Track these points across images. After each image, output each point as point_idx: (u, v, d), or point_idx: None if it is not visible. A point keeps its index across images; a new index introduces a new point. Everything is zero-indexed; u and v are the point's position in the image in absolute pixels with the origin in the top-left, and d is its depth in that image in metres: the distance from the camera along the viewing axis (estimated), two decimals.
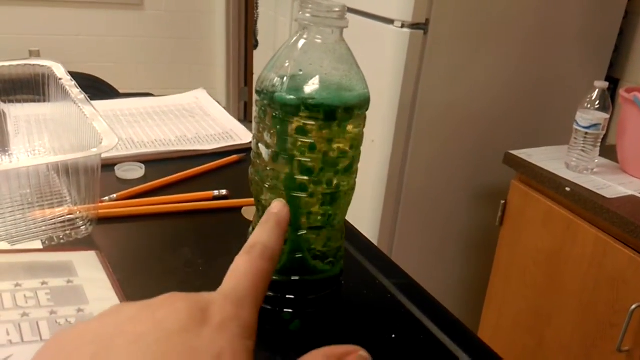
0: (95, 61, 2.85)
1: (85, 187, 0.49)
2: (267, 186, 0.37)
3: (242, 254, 0.27)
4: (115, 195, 0.56)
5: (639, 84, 1.37)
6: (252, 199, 0.40)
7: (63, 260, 0.44)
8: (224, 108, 0.83)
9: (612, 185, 1.04)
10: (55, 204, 0.52)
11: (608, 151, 1.15)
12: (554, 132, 1.37)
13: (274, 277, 0.39)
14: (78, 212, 0.51)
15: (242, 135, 0.74)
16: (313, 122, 0.35)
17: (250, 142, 0.39)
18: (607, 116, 1.05)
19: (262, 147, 0.37)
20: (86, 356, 0.20)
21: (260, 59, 2.26)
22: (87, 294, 0.40)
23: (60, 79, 0.57)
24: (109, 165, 0.62)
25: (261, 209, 0.39)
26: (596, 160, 1.09)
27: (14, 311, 0.36)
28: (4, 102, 0.65)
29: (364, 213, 1.38)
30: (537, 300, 1.14)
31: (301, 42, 0.35)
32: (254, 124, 0.38)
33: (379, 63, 1.27)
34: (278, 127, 0.35)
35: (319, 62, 0.35)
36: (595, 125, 1.05)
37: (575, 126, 1.07)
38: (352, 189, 0.40)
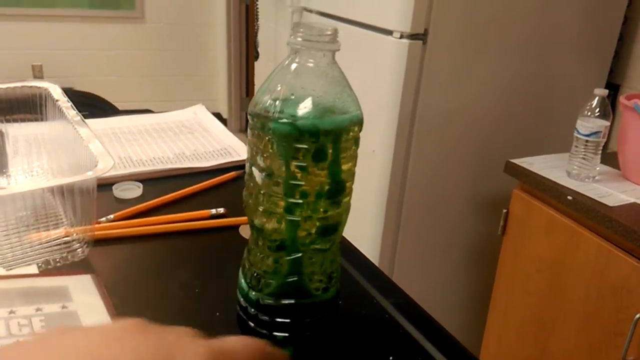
0: (97, 75, 2.87)
1: (81, 209, 0.49)
2: (260, 209, 0.37)
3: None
4: (112, 216, 0.56)
5: (639, 90, 1.36)
6: None
7: (58, 285, 0.44)
8: (226, 119, 0.83)
9: (614, 193, 1.03)
10: (52, 226, 0.52)
11: (610, 158, 1.15)
12: (556, 139, 1.37)
13: (268, 301, 0.38)
14: (75, 234, 0.51)
15: (241, 151, 0.74)
16: (306, 146, 0.34)
17: None
18: (608, 123, 1.04)
19: (255, 170, 0.36)
20: None
21: (261, 70, 2.27)
22: (82, 320, 0.40)
23: (57, 100, 0.57)
24: (106, 185, 0.62)
25: (255, 232, 0.38)
26: (597, 168, 1.08)
27: (7, 340, 0.36)
28: (2, 122, 0.65)
29: (366, 223, 1.37)
30: (540, 309, 1.13)
31: (293, 66, 0.35)
32: (247, 147, 0.38)
33: (379, 74, 1.27)
34: (271, 150, 0.35)
35: (311, 86, 0.35)
36: (595, 132, 1.04)
37: (575, 134, 1.07)
38: (347, 209, 0.39)
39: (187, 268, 0.50)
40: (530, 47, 1.29)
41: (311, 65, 0.35)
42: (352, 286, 0.48)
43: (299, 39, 0.34)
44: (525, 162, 1.15)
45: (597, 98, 1.04)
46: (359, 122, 0.36)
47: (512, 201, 1.18)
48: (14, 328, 0.37)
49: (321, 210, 0.36)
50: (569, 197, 1.02)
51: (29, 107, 0.64)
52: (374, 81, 1.29)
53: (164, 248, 0.53)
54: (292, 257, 0.37)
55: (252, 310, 0.39)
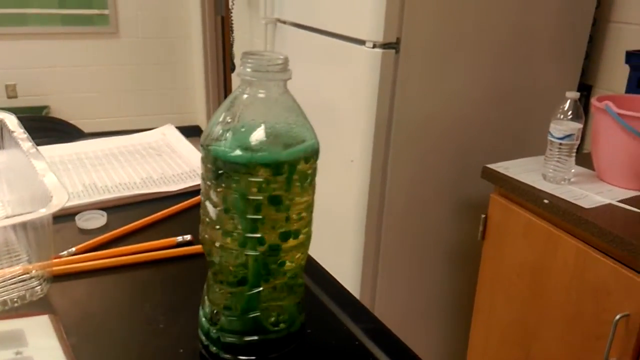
0: (73, 92, 2.83)
1: (38, 245, 0.47)
2: (217, 245, 0.36)
3: None
4: (74, 249, 0.54)
5: (611, 90, 1.38)
6: None
7: (13, 329, 0.42)
8: (203, 132, 0.81)
9: (589, 194, 1.03)
10: (9, 264, 0.50)
11: (585, 159, 1.16)
12: (533, 142, 1.38)
13: (230, 339, 0.37)
14: (33, 271, 0.49)
15: None
16: (260, 178, 0.33)
17: None
18: (580, 126, 1.05)
19: (209, 205, 0.35)
20: None
21: (238, 81, 2.25)
22: None
23: (12, 131, 0.55)
24: (70, 215, 0.61)
25: (213, 267, 0.37)
26: (573, 170, 1.09)
27: None
28: None
29: (348, 233, 1.36)
30: (523, 313, 1.13)
31: (244, 97, 0.34)
32: (201, 181, 0.37)
33: (353, 83, 1.27)
34: (224, 184, 0.34)
35: (262, 117, 0.34)
36: (569, 135, 1.05)
37: (549, 137, 1.07)
38: (309, 238, 0.38)
39: (152, 301, 0.48)
40: (503, 52, 1.30)
41: (262, 95, 0.34)
42: (321, 313, 0.47)
43: (249, 69, 0.33)
44: (501, 167, 1.16)
45: (568, 101, 1.05)
46: (315, 152, 0.35)
47: (490, 206, 1.19)
48: None
49: (280, 243, 0.35)
50: (545, 201, 1.02)
51: None
52: (349, 91, 1.29)
53: (128, 281, 0.51)
54: (252, 292, 0.36)
55: (214, 348, 0.38)
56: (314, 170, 0.36)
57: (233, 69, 2.19)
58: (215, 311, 0.37)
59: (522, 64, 1.33)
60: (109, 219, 0.61)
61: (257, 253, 0.35)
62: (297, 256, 0.37)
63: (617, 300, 0.93)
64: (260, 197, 0.34)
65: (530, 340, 1.12)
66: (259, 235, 0.35)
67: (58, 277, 0.50)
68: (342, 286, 0.51)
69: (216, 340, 0.37)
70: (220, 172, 0.34)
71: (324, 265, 0.55)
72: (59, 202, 0.44)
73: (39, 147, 0.76)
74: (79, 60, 2.81)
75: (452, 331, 1.51)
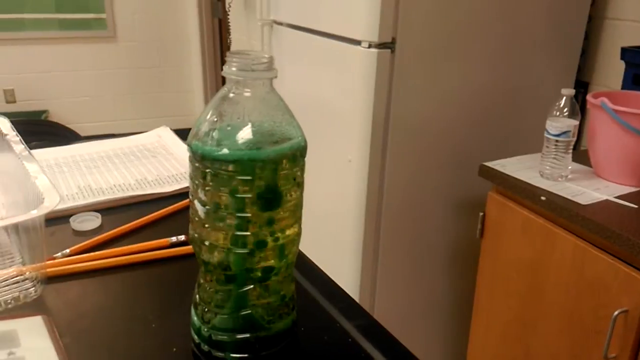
0: (72, 96, 2.84)
1: (30, 247, 0.47)
2: (206, 244, 0.36)
3: None
4: (68, 250, 0.54)
5: (607, 87, 1.38)
6: None
7: (6, 330, 0.42)
8: (190, 131, 0.81)
9: (586, 191, 1.03)
10: (3, 266, 0.50)
11: (582, 155, 1.16)
12: (530, 139, 1.38)
13: (222, 337, 0.37)
14: (27, 273, 0.49)
15: None
16: (247, 176, 0.34)
17: None
18: (577, 122, 1.05)
19: (197, 204, 0.35)
20: None
21: None
22: None
23: (5, 134, 0.55)
24: (64, 217, 0.61)
25: (203, 266, 0.37)
26: (569, 167, 1.09)
27: None
28: None
29: (346, 233, 1.36)
30: (522, 310, 1.13)
31: (230, 95, 0.34)
32: (189, 181, 0.37)
33: (350, 83, 1.27)
34: (212, 183, 0.34)
35: (248, 116, 0.34)
36: (565, 132, 1.05)
37: (545, 134, 1.07)
38: (298, 235, 0.38)
39: (145, 301, 0.48)
40: (500, 50, 1.30)
41: (248, 94, 0.34)
42: (313, 310, 0.47)
43: (234, 68, 0.33)
44: (498, 165, 1.16)
45: (564, 98, 1.05)
46: (302, 149, 0.36)
47: (487, 204, 1.18)
48: None
49: (269, 241, 0.35)
50: (543, 198, 1.02)
51: None
52: (346, 91, 1.29)
53: (121, 281, 0.51)
54: (242, 290, 0.36)
55: (206, 347, 0.38)
56: (302, 167, 0.36)
57: None
58: (206, 309, 0.37)
59: (517, 62, 1.33)
60: (104, 221, 0.61)
61: (247, 251, 0.35)
62: (287, 253, 0.37)
63: (615, 296, 0.93)
64: (248, 195, 0.34)
65: (529, 336, 1.12)
66: (247, 233, 0.35)
67: (52, 279, 0.51)
68: (334, 282, 0.51)
69: (208, 338, 0.37)
70: (207, 170, 0.34)
71: (322, 265, 0.55)
72: (51, 204, 0.44)
73: (35, 150, 0.76)
74: (77, 65, 2.81)
75: (452, 329, 1.51)
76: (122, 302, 0.49)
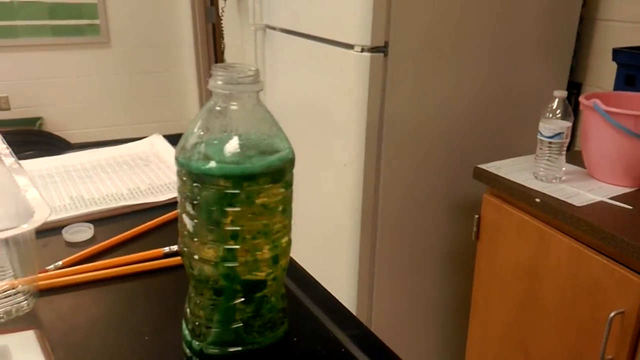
0: (67, 103, 2.83)
1: (22, 260, 0.47)
2: (195, 257, 0.36)
3: None
4: (61, 262, 0.54)
5: (600, 87, 1.39)
6: None
7: None
8: (177, 145, 0.81)
9: (580, 192, 1.04)
10: None
11: (576, 156, 1.16)
12: (525, 140, 1.38)
13: (213, 350, 0.37)
14: (20, 286, 0.49)
15: None
16: (235, 190, 0.33)
17: None
18: (570, 124, 1.05)
19: (186, 218, 0.35)
20: None
21: None
22: None
23: None
24: (57, 229, 0.60)
25: (193, 280, 0.37)
26: (563, 168, 1.09)
27: None
28: None
29: (342, 238, 1.36)
30: (519, 313, 1.13)
31: (217, 109, 0.34)
32: (177, 194, 0.37)
33: (343, 88, 1.27)
34: (199, 197, 0.34)
35: (235, 129, 0.34)
36: (558, 134, 1.05)
37: (539, 136, 1.08)
38: (289, 245, 0.38)
39: (138, 313, 0.48)
40: (492, 52, 1.30)
41: (235, 107, 0.34)
42: (307, 320, 0.47)
43: (220, 82, 0.33)
44: (492, 167, 1.16)
45: (557, 100, 1.05)
46: (290, 161, 0.36)
47: (482, 206, 1.19)
48: None
49: (258, 254, 0.35)
50: (537, 200, 1.02)
51: None
52: (339, 95, 1.29)
53: (114, 293, 0.51)
54: (232, 303, 0.36)
55: None
56: (291, 179, 0.36)
57: None
58: (197, 323, 0.37)
59: (510, 64, 1.33)
60: (96, 231, 0.61)
61: (236, 264, 0.35)
62: (279, 264, 0.37)
63: (611, 298, 0.93)
64: (237, 209, 0.34)
65: (527, 339, 1.12)
66: (237, 246, 0.35)
67: (45, 291, 0.50)
68: (327, 291, 0.51)
69: (199, 352, 0.37)
70: (195, 184, 0.34)
71: (319, 270, 0.55)
72: (41, 217, 0.44)
73: (27, 161, 0.76)
74: (71, 71, 2.81)
75: (449, 332, 1.51)
76: (115, 314, 0.49)
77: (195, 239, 0.35)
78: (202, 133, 0.34)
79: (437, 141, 1.32)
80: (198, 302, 0.37)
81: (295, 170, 0.36)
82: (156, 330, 0.46)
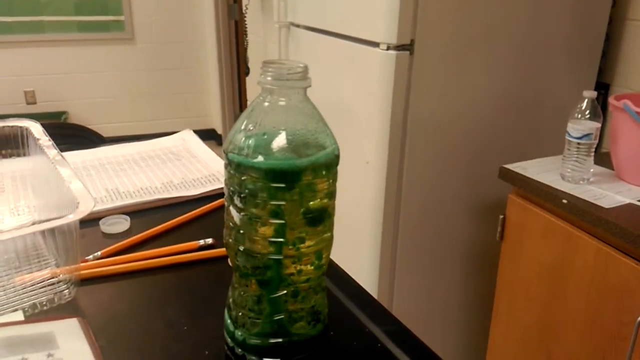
0: (90, 97, 2.88)
1: (65, 250, 0.48)
2: (241, 249, 0.36)
3: None
4: (99, 253, 0.55)
5: (628, 88, 1.36)
6: None
7: (44, 332, 0.43)
8: (220, 134, 0.82)
9: (609, 194, 1.02)
10: (37, 268, 0.52)
11: (604, 158, 1.14)
12: (550, 141, 1.36)
13: (255, 341, 0.38)
14: (61, 275, 0.51)
15: None
16: (282, 184, 0.34)
17: None
18: (599, 125, 1.04)
19: (233, 210, 0.36)
20: None
21: (252, 84, 2.27)
22: None
23: (38, 139, 0.57)
24: (94, 220, 0.62)
25: (238, 271, 0.38)
26: (591, 170, 1.08)
27: None
28: None
29: (364, 235, 1.37)
30: (543, 315, 1.12)
31: (265, 104, 0.35)
32: (224, 187, 0.37)
33: (368, 85, 1.27)
34: (247, 190, 0.35)
35: (283, 124, 0.35)
36: (587, 135, 1.04)
37: (567, 137, 1.06)
38: (330, 242, 0.39)
39: (176, 304, 0.49)
40: (519, 52, 1.29)
41: (283, 103, 0.35)
42: (344, 315, 0.48)
43: (269, 78, 0.34)
44: (519, 167, 1.15)
45: (586, 100, 1.04)
46: (335, 157, 0.36)
47: (508, 207, 1.18)
48: None
49: (303, 247, 0.36)
50: (564, 201, 1.01)
51: (11, 143, 0.64)
52: (364, 93, 1.29)
53: (151, 284, 0.52)
54: (276, 295, 0.37)
55: (239, 350, 0.38)
56: (335, 175, 0.37)
57: (247, 72, 2.20)
58: (240, 313, 0.38)
59: (537, 64, 1.32)
60: (132, 223, 0.62)
61: (281, 257, 0.36)
62: (322, 258, 0.38)
63: (639, 301, 0.91)
64: (283, 203, 0.34)
65: (550, 341, 1.11)
66: (282, 239, 0.35)
67: (85, 281, 0.52)
68: (362, 288, 0.51)
69: (242, 342, 0.38)
70: (243, 178, 0.35)
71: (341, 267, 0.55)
72: (86, 208, 0.45)
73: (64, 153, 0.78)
74: (95, 66, 2.86)
75: (471, 333, 1.50)
76: (153, 305, 0.50)
77: (242, 231, 0.36)
78: (250, 128, 0.35)
79: (461, 141, 1.31)
80: (242, 293, 0.38)
81: None
82: (194, 320, 0.47)
